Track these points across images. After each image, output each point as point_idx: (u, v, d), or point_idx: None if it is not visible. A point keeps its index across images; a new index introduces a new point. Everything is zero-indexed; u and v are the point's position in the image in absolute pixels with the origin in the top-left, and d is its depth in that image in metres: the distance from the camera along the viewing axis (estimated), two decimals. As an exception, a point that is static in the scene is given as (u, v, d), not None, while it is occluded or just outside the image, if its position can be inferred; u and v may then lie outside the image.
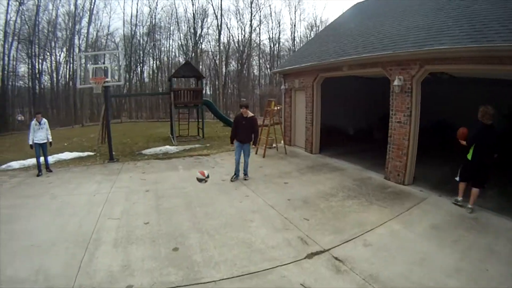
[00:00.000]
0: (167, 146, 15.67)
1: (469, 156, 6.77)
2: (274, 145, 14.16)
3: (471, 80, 11.54)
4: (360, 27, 13.04)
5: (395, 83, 8.65)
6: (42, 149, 10.86)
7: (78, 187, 9.17)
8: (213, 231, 5.93)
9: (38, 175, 10.66)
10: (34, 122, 10.81)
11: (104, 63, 38.70)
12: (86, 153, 14.81)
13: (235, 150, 9.47)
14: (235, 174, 9.46)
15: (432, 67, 8.07)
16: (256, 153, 13.05)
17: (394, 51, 8.64)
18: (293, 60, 15.21)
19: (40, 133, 10.77)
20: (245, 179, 9.38)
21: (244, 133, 9.23)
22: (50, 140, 11.17)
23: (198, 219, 6.54)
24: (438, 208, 6.95)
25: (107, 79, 12.81)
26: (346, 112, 16.70)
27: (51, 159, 12.89)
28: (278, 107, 13.98)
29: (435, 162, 10.56)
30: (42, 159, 10.92)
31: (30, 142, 10.67)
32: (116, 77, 20.25)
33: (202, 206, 7.25)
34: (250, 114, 9.31)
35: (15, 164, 12.65)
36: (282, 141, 14.12)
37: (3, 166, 12.52)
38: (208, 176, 7.53)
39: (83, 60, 28.80)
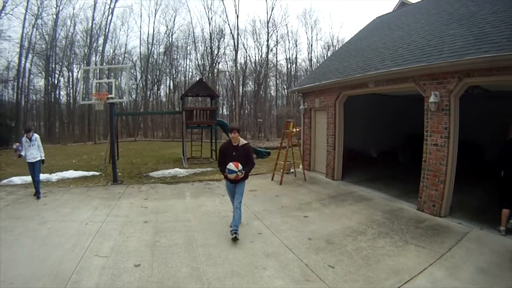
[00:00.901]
0: (177, 169, 14.62)
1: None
2: (292, 170, 12.98)
3: (503, 95, 10.60)
4: (385, 39, 12.04)
5: (431, 99, 7.56)
6: (34, 169, 9.84)
7: (72, 213, 8.39)
8: (216, 282, 4.75)
9: (37, 198, 9.74)
10: (24, 139, 9.72)
11: (117, 79, 38.92)
12: (91, 173, 14.14)
13: (227, 191, 7.14)
14: (232, 226, 6.54)
15: (473, 80, 7.00)
16: (272, 179, 11.98)
17: (429, 63, 7.53)
18: (313, 78, 14.07)
19: (32, 150, 9.69)
20: (234, 235, 6.24)
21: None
22: (43, 158, 10.09)
23: (199, 263, 5.37)
24: (482, 245, 5.89)
25: (110, 95, 11.98)
26: (368, 133, 15.30)
27: (55, 176, 12.78)
28: (297, 129, 12.81)
29: (467, 187, 9.25)
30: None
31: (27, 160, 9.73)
32: (125, 95, 19.66)
33: (205, 246, 6.07)
34: (243, 141, 6.67)
35: (17, 179, 12.34)
36: (301, 166, 12.93)
37: (5, 181, 12.32)
38: (241, 170, 6.30)
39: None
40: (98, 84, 12.67)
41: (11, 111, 34.72)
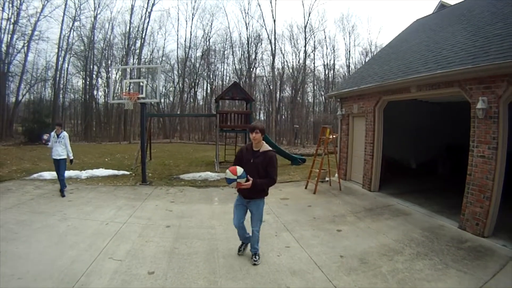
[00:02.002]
0: (208, 172, 14.34)
1: None
2: (327, 179, 12.36)
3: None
4: (427, 41, 11.34)
5: (478, 106, 6.83)
6: (59, 166, 9.68)
7: (94, 211, 8.28)
8: (234, 301, 4.32)
9: (62, 195, 9.61)
10: (53, 134, 9.66)
11: (154, 80, 39.64)
12: (121, 172, 14.20)
13: (234, 207, 5.60)
14: (242, 243, 5.88)
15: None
16: (306, 188, 11.41)
17: (475, 65, 6.86)
18: (351, 82, 13.44)
19: (57, 147, 9.59)
20: (254, 262, 5.39)
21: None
22: (71, 158, 9.98)
23: (217, 276, 4.94)
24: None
25: (141, 95, 11.86)
26: (407, 141, 14.36)
27: (84, 174, 13.02)
28: (334, 135, 12.21)
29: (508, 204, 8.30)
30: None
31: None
32: (157, 96, 19.78)
33: (227, 257, 5.62)
34: (266, 146, 5.32)
35: (47, 174, 12.60)
36: (336, 175, 12.31)
37: (35, 175, 12.66)
38: (241, 176, 4.89)
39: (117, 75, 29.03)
40: (130, 84, 12.62)
41: (48, 109, 35.86)
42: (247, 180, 4.97)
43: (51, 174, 11.77)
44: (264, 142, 5.39)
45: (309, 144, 38.40)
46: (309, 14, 47.77)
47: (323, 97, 49.53)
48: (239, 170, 4.92)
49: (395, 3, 68.61)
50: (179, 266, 5.22)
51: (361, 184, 11.64)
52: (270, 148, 5.35)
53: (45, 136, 9.66)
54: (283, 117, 50.26)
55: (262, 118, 49.61)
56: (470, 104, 7.19)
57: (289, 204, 9.41)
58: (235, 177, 4.87)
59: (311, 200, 9.90)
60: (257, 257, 5.45)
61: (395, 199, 9.92)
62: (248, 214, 5.51)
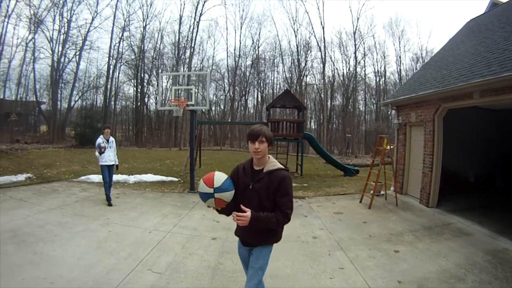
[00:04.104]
0: (259, 183, 13.95)
1: None
2: (382, 192, 11.71)
3: None
4: (486, 42, 10.54)
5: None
6: (109, 172, 9.54)
7: (139, 218, 8.26)
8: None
9: (109, 205, 9.41)
10: (102, 138, 9.43)
11: (204, 89, 40.36)
12: (170, 178, 14.31)
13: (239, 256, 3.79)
14: None
15: None
16: (360, 201, 10.82)
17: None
18: (408, 89, 12.68)
19: (109, 152, 9.46)
20: None
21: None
22: (117, 163, 9.90)
23: (264, 300, 4.52)
24: None
25: (190, 102, 11.82)
26: (465, 152, 13.00)
27: (132, 179, 13.29)
28: (391, 146, 11.53)
29: None
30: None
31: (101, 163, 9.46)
32: (206, 103, 19.96)
33: (274, 277, 5.17)
34: (274, 163, 3.41)
35: (95, 177, 12.92)
36: (392, 188, 11.66)
37: (82, 178, 13.08)
38: (221, 189, 3.14)
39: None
40: (179, 91, 12.74)
41: (99, 114, 37.82)
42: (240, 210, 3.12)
43: (99, 177, 11.85)
44: (270, 157, 3.48)
45: (361, 154, 37.39)
46: (358, 19, 46.53)
47: (374, 105, 48.44)
48: (218, 177, 3.20)
49: (443, 4, 66.83)
50: (222, 284, 4.92)
51: (419, 199, 10.87)
52: (280, 165, 3.40)
53: (103, 144, 9.34)
54: (334, 126, 49.43)
55: (313, 127, 49.16)
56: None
57: (343, 219, 8.92)
58: (211, 191, 3.12)
59: (366, 216, 9.33)
60: None
61: (454, 216, 9.13)
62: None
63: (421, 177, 10.78)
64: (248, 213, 3.06)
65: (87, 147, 26.89)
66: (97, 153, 9.33)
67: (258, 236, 3.36)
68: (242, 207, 3.11)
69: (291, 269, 5.57)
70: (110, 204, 9.36)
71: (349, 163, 23.40)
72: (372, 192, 10.67)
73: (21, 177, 12.54)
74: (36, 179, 12.58)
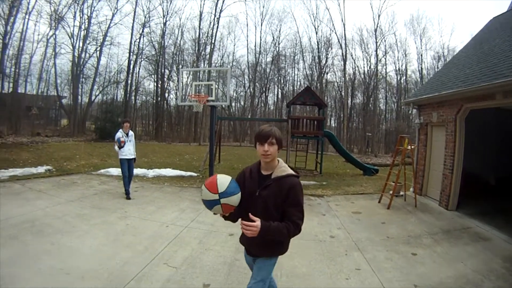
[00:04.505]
0: (278, 180, 13.93)
1: None
2: (401, 193, 11.54)
3: None
4: (510, 41, 10.29)
5: None
6: (128, 166, 9.58)
7: (156, 212, 8.32)
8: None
9: (127, 198, 9.48)
10: (120, 132, 9.48)
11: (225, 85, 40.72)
12: (189, 173, 14.37)
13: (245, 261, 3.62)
14: None
15: None
16: (379, 202, 10.71)
17: None
18: (430, 88, 12.41)
19: (129, 146, 9.52)
20: None
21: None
22: (135, 157, 9.96)
23: (278, 297, 4.50)
24: None
25: (210, 98, 11.81)
26: (486, 155, 12.89)
27: (151, 173, 13.46)
28: (412, 146, 11.33)
29: None
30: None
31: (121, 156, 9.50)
32: (226, 99, 20.08)
33: (291, 276, 5.18)
34: (284, 168, 3.09)
35: (114, 171, 13.13)
36: (411, 189, 11.50)
37: (102, 171, 13.33)
38: (228, 193, 2.85)
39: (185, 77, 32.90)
40: (199, 86, 12.79)
41: (120, 109, 38.50)
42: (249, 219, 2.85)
43: (118, 171, 11.86)
44: (280, 160, 3.15)
45: (380, 154, 36.98)
46: (379, 16, 45.69)
47: (395, 104, 47.83)
48: (221, 181, 2.88)
49: (465, 1, 65.44)
50: (238, 281, 4.89)
51: (438, 201, 10.67)
52: (290, 171, 3.07)
53: (122, 138, 9.40)
54: (354, 124, 49.02)
55: (333, 125, 48.95)
56: None
57: (362, 219, 8.84)
58: (216, 197, 2.84)
59: (385, 216, 9.23)
60: None
61: (473, 220, 8.91)
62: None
63: (441, 179, 10.57)
64: (258, 222, 2.78)
65: (107, 140, 27.56)
66: (116, 147, 9.42)
67: (264, 247, 3.08)
68: (251, 216, 2.83)
69: (307, 268, 5.55)
70: (128, 198, 9.45)
71: (368, 162, 23.17)
72: (391, 192, 10.55)
73: (41, 169, 12.80)
74: (56, 172, 12.83)
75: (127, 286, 4.52)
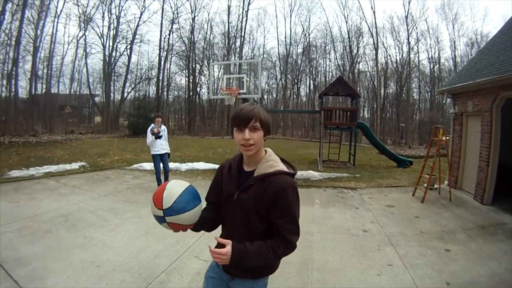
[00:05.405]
0: (311, 171, 14.10)
1: None
2: (436, 186, 11.24)
3: None
4: None
5: None
6: (162, 161, 9.70)
7: None
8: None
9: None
10: (153, 127, 9.55)
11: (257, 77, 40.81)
12: None
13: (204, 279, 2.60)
14: None
15: None
16: (413, 195, 10.52)
17: None
18: (464, 75, 11.95)
19: (162, 141, 9.66)
20: None
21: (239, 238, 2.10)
22: (169, 151, 10.09)
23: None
24: None
25: (242, 91, 11.85)
26: None
27: (184, 166, 13.75)
28: (447, 137, 11.02)
29: None
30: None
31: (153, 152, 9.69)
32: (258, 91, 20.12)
33: (322, 271, 5.17)
34: (272, 162, 2.18)
35: (147, 165, 13.41)
36: (446, 182, 11.28)
37: (135, 166, 13.69)
38: (174, 210, 2.09)
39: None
40: (230, 80, 12.84)
41: (152, 104, 39.53)
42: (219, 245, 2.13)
43: (151, 165, 11.80)
44: (269, 151, 2.32)
45: (414, 145, 36.18)
46: (409, 3, 44.26)
47: (428, 93, 46.41)
48: (168, 193, 2.12)
49: None
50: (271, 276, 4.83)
51: (473, 195, 10.29)
52: (281, 166, 2.18)
53: (156, 129, 9.48)
54: (388, 115, 47.89)
55: (367, 116, 47.96)
56: None
57: (395, 213, 8.72)
58: (160, 213, 2.12)
59: (419, 210, 9.04)
60: None
61: (509, 216, 8.54)
62: None
63: (476, 172, 10.18)
64: (228, 247, 1.99)
65: (140, 136, 28.28)
66: (150, 140, 9.54)
67: (244, 268, 2.16)
68: (220, 240, 2.10)
69: (339, 263, 5.53)
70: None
71: (402, 153, 22.76)
72: (425, 185, 10.33)
73: (75, 165, 13.30)
74: (90, 167, 13.27)
75: (158, 279, 4.63)
